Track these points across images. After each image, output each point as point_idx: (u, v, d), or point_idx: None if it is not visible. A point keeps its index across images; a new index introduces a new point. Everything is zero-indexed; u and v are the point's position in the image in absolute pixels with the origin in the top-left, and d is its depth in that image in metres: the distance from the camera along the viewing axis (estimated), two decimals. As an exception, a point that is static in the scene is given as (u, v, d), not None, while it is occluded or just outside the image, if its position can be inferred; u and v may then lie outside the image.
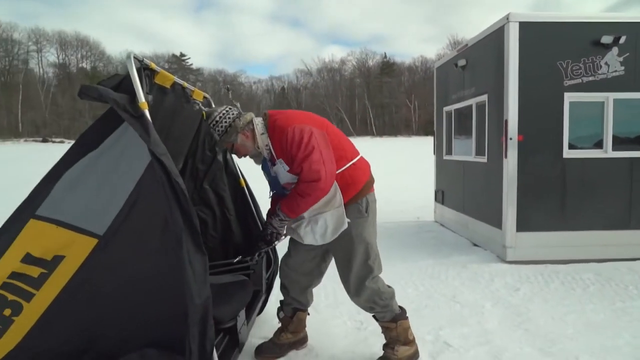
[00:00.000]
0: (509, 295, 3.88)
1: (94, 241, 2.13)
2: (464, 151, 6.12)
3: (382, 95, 79.12)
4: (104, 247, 2.13)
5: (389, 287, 2.69)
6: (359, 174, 2.55)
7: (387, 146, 41.24)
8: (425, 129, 62.13)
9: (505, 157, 4.77)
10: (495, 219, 5.05)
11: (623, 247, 4.82)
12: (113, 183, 2.15)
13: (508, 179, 4.78)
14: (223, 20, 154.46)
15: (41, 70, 74.19)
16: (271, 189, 2.67)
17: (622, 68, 4.74)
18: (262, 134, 2.43)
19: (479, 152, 5.58)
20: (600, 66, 4.75)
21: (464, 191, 6.15)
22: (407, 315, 2.74)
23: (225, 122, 2.39)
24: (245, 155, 2.53)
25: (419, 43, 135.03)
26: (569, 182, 4.81)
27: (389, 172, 16.55)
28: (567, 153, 4.79)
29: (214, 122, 2.40)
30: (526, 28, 4.65)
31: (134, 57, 2.08)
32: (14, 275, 2.11)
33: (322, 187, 2.32)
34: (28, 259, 2.11)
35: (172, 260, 2.03)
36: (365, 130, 75.99)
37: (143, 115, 2.04)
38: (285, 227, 2.60)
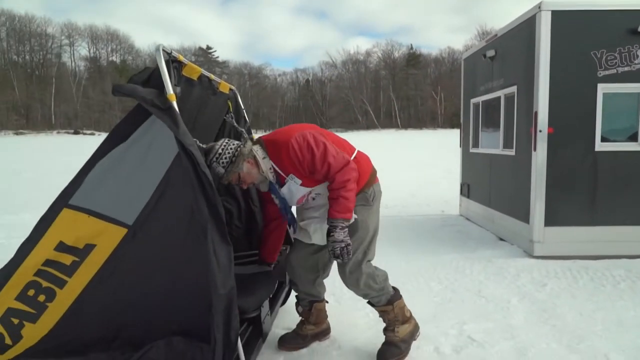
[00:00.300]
0: (536, 290, 3.81)
1: (124, 231, 2.21)
2: (492, 144, 6.01)
3: (408, 87, 78.10)
4: (132, 237, 2.21)
5: (381, 269, 2.72)
6: (362, 165, 2.57)
7: (412, 139, 40.83)
8: (451, 122, 61.12)
9: (535, 150, 4.66)
10: (522, 213, 4.95)
11: (657, 243, 4.65)
12: (142, 174, 2.22)
13: (537, 173, 4.67)
14: (249, 13, 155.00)
15: (73, 63, 76.42)
16: (283, 212, 2.66)
17: (660, 58, 4.55)
18: (264, 158, 2.45)
19: (507, 144, 5.46)
20: (637, 56, 4.57)
21: (490, 184, 6.04)
22: (401, 294, 2.79)
23: (229, 152, 2.38)
24: (251, 184, 2.54)
25: (446, 34, 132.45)
26: (601, 176, 4.67)
27: (414, 165, 16.40)
28: (600, 146, 4.65)
29: (217, 155, 2.36)
30: (558, 17, 4.51)
31: (163, 50, 2.12)
32: (48, 262, 2.20)
33: (353, 166, 2.40)
34: (61, 247, 2.20)
35: (197, 250, 2.08)
36: (390, 122, 75.28)
37: (171, 107, 2.08)
38: (297, 228, 2.66)
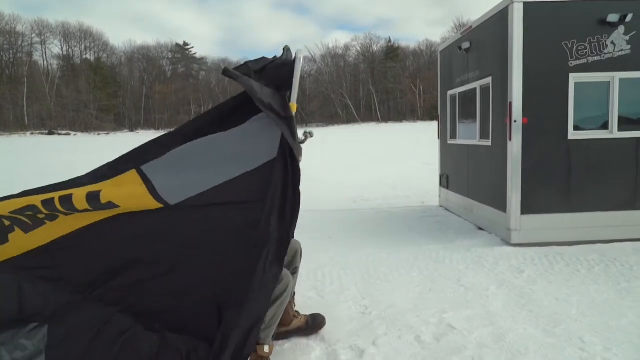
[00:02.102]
0: (514, 277, 3.89)
1: (159, 205, 2.14)
2: (469, 135, 6.09)
3: (387, 80, 78.40)
4: (165, 214, 2.15)
5: None
6: None
7: (392, 132, 41.07)
8: (430, 114, 61.66)
9: (510, 139, 4.75)
10: (499, 202, 5.04)
11: (629, 227, 4.80)
12: (218, 167, 2.16)
13: (512, 162, 4.76)
14: (227, 8, 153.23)
15: (45, 62, 74.37)
16: None
17: (629, 47, 4.67)
18: None
19: (484, 135, 5.55)
20: (606, 45, 4.68)
21: (468, 175, 6.13)
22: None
23: None
24: None
25: (424, 27, 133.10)
26: (574, 164, 4.79)
27: (395, 158, 16.52)
28: (572, 134, 4.76)
29: None
30: (530, 8, 4.58)
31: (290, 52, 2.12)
32: (64, 199, 2.09)
33: None
34: (92, 195, 2.09)
35: (238, 258, 2.10)
36: (370, 116, 75.54)
37: (292, 117, 2.06)
38: None
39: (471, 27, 5.75)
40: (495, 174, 5.15)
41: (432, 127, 11.48)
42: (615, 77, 4.70)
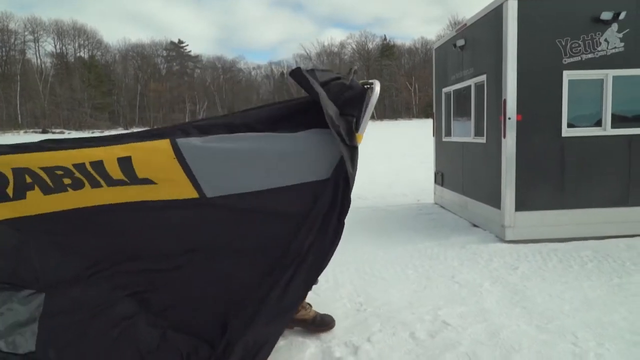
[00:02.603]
0: (508, 274, 3.91)
1: (195, 194, 2.04)
2: (463, 132, 6.11)
3: (382, 78, 78.37)
4: (200, 205, 2.05)
5: None
6: None
7: (387, 130, 41.11)
8: (425, 112, 61.79)
9: (504, 137, 4.76)
10: (494, 199, 5.06)
11: (621, 224, 4.83)
12: (262, 168, 2.06)
13: (507, 159, 4.77)
14: (222, 6, 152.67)
15: (39, 60, 73.87)
16: None
17: (622, 44, 4.70)
18: None
19: (478, 133, 5.56)
20: (600, 43, 4.70)
21: (463, 172, 6.15)
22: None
23: None
24: None
25: (420, 25, 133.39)
26: (568, 161, 4.81)
27: (391, 156, 16.55)
28: (566, 132, 4.78)
29: None
30: (525, 5, 4.60)
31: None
32: (96, 164, 2.02)
33: None
34: (124, 163, 2.01)
35: (261, 271, 2.07)
36: (365, 114, 75.47)
37: (357, 147, 2.00)
38: None
39: (466, 24, 5.76)
40: (489, 171, 5.17)
41: (428, 124, 11.49)
42: (608, 75, 4.73)
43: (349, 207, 2.05)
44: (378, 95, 2.06)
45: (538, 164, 4.81)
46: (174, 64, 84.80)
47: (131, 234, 2.11)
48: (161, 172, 2.02)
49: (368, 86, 2.22)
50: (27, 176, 2.03)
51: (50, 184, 2.02)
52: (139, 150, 2.02)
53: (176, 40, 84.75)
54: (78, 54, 77.49)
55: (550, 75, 4.72)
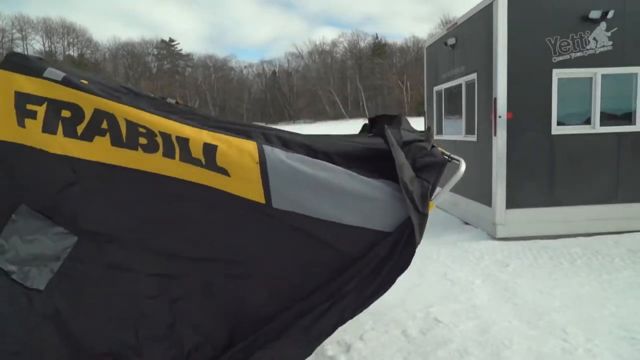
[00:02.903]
0: (499, 271, 3.94)
1: (262, 199, 2.04)
2: (454, 131, 6.14)
3: (374, 76, 78.57)
4: (262, 211, 2.05)
5: None
6: None
7: (379, 128, 41.21)
8: (417, 110, 61.95)
9: (495, 135, 4.80)
10: (485, 197, 5.10)
11: (610, 220, 4.89)
12: (333, 200, 2.08)
13: (497, 157, 4.81)
14: (213, 4, 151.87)
15: (27, 58, 72.83)
16: None
17: (610, 43, 4.75)
18: None
19: (469, 131, 5.60)
20: (589, 41, 4.75)
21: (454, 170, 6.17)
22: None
23: None
24: None
25: (411, 23, 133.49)
26: (558, 159, 4.86)
27: (382, 154, 16.55)
28: (556, 130, 4.82)
29: None
30: (514, 4, 4.63)
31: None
32: (181, 139, 2.01)
33: None
34: (208, 148, 2.01)
35: (291, 296, 2.09)
36: (357, 112, 75.61)
37: (427, 215, 2.03)
38: None
39: (456, 23, 5.78)
40: (480, 169, 5.21)
41: (420, 122, 11.53)
42: (597, 73, 4.78)
43: (403, 268, 2.08)
44: (461, 175, 2.11)
45: (528, 162, 4.85)
46: (165, 62, 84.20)
47: (183, 212, 2.08)
48: (240, 169, 2.03)
49: (449, 158, 2.28)
50: (105, 121, 2.02)
51: (124, 137, 2.01)
52: (226, 143, 2.04)
53: (167, 39, 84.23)
54: (67, 53, 76.65)
55: (540, 74, 4.76)
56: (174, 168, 2.02)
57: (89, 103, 2.03)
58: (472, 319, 3.02)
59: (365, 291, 2.09)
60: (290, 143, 2.20)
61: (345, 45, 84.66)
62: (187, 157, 2.01)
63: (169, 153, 2.01)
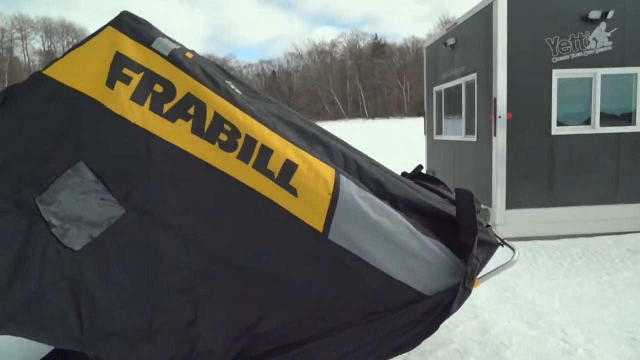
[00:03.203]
0: (498, 271, 3.93)
1: (320, 228, 2.03)
2: (454, 131, 6.13)
3: (374, 77, 78.66)
4: (315, 240, 2.04)
5: None
6: None
7: (379, 128, 41.18)
8: (417, 110, 62.01)
9: (495, 135, 4.79)
10: (485, 197, 5.09)
11: (610, 221, 4.89)
12: (387, 250, 2.09)
13: (497, 157, 4.80)
14: (214, 4, 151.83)
15: (26, 58, 72.94)
16: None
17: (610, 43, 4.74)
18: None
19: (469, 131, 5.59)
20: (588, 42, 4.75)
21: (454, 171, 6.18)
22: None
23: None
24: None
25: (410, 23, 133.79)
26: (557, 159, 4.85)
27: (382, 155, 16.56)
28: (556, 130, 4.82)
29: None
30: (514, 4, 4.63)
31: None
32: (264, 148, 2.01)
33: None
34: (289, 166, 2.01)
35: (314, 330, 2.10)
36: (357, 112, 75.72)
37: (470, 291, 2.06)
38: None
39: (456, 23, 5.78)
40: (480, 169, 5.20)
41: (419, 123, 11.55)
42: (597, 73, 4.78)
43: (429, 334, 2.08)
44: (514, 263, 2.17)
45: (528, 162, 4.84)
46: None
47: (236, 217, 2.05)
48: (310, 195, 2.02)
49: (502, 243, 2.35)
50: (194, 107, 2.00)
51: (206, 128, 2.00)
52: (307, 165, 2.03)
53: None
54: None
55: (539, 74, 4.76)
56: (243, 172, 2.00)
57: (184, 85, 2.02)
58: (472, 319, 3.02)
59: (388, 344, 2.09)
60: (364, 174, 2.21)
61: (345, 45, 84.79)
62: (260, 166, 2.00)
63: (244, 157, 2.00)
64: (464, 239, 2.13)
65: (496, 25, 4.64)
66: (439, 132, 6.79)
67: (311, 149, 2.12)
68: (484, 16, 4.92)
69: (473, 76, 5.33)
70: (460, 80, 5.71)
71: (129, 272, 2.01)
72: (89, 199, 1.96)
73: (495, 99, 4.74)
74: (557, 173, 4.87)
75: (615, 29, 4.71)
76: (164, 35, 2.17)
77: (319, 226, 2.03)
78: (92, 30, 2.14)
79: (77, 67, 2.03)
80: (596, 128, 4.85)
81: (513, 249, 2.30)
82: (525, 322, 2.96)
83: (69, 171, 1.96)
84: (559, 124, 4.84)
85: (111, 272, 2.00)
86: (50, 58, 73.36)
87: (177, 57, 2.06)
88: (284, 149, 2.02)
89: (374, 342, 2.08)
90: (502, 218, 4.84)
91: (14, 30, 70.57)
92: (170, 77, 2.03)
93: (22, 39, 71.87)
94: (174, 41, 2.17)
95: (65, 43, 76.07)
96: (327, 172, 2.05)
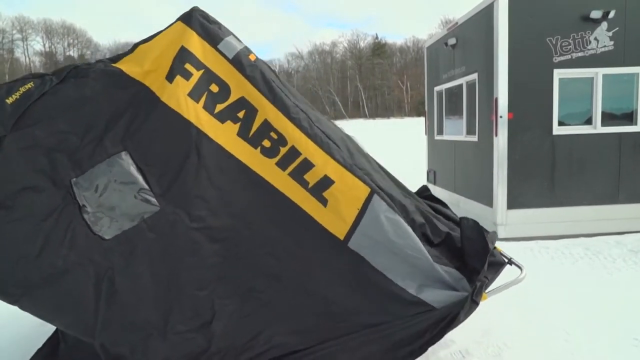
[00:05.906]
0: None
1: (342, 236, 2.11)
2: (455, 131, 6.13)
3: (374, 77, 78.58)
4: (335, 246, 2.11)
5: None
6: None
7: (380, 128, 41.16)
8: (417, 110, 62.01)
9: (496, 135, 4.79)
10: (486, 198, 5.09)
11: (612, 221, 4.88)
12: (403, 268, 2.17)
13: (498, 157, 4.80)
14: (213, 4, 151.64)
15: (27, 59, 73.00)
16: None
17: (612, 43, 4.74)
18: None
19: (470, 131, 5.58)
20: (590, 41, 4.74)
21: (455, 171, 6.17)
22: None
23: None
24: None
25: (411, 23, 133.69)
26: (559, 159, 4.84)
27: (382, 154, 16.55)
28: (557, 130, 4.81)
29: None
30: (515, 4, 4.62)
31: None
32: (305, 161, 2.08)
33: None
34: (325, 181, 2.10)
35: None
36: (357, 112, 75.66)
37: (478, 304, 2.15)
38: None
39: (457, 23, 5.77)
40: (481, 169, 5.20)
41: (420, 122, 11.56)
42: (598, 73, 4.77)
43: (434, 342, 2.14)
44: (522, 280, 2.29)
45: (529, 162, 4.83)
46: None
47: (263, 220, 2.09)
48: (340, 207, 2.09)
49: (509, 261, 2.45)
50: (244, 112, 2.05)
51: (251, 133, 2.05)
52: (344, 182, 2.10)
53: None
54: (67, 53, 76.65)
55: (541, 74, 4.75)
56: (279, 177, 2.07)
57: (240, 89, 2.06)
58: (473, 320, 3.00)
59: (395, 354, 2.13)
60: (395, 199, 2.27)
61: (345, 45, 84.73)
62: (297, 175, 2.07)
63: (282, 164, 2.07)
64: (472, 263, 2.24)
65: (497, 24, 4.63)
66: (440, 132, 6.78)
67: (354, 165, 2.17)
68: (485, 16, 4.92)
69: (474, 76, 5.32)
70: (461, 80, 5.71)
71: (153, 268, 2.02)
72: (127, 192, 1.96)
73: (496, 99, 4.74)
74: (558, 173, 4.87)
75: (617, 28, 4.71)
76: (232, 35, 2.20)
77: (340, 235, 2.10)
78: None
79: (142, 59, 2.06)
80: (597, 128, 4.84)
81: (520, 268, 2.39)
82: (526, 322, 2.95)
83: (111, 159, 1.96)
84: (560, 123, 4.83)
85: (136, 265, 2.01)
86: (51, 59, 73.55)
87: (241, 62, 2.10)
88: (324, 164, 2.09)
89: (381, 352, 2.11)
90: (504, 218, 4.83)
91: (14, 31, 70.63)
92: (229, 79, 2.07)
93: (22, 40, 71.93)
94: (239, 41, 2.21)
95: (65, 44, 76.15)
96: (362, 192, 2.11)
